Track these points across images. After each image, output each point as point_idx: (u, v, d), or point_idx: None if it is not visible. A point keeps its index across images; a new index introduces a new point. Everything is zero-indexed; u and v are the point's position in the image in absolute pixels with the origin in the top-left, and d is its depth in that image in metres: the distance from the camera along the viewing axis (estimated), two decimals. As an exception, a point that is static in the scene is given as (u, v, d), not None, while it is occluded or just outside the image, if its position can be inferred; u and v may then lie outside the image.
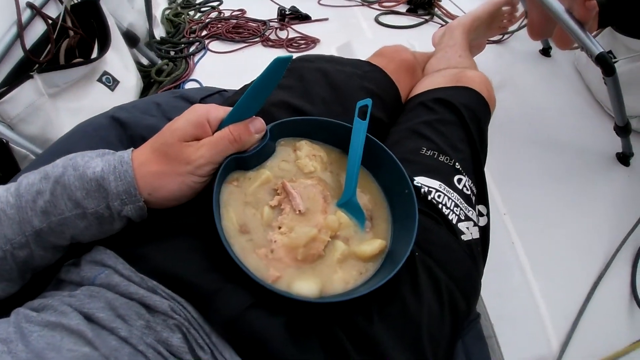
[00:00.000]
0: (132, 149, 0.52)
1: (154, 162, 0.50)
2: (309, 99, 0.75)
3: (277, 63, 0.47)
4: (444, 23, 1.99)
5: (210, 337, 0.47)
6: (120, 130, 0.76)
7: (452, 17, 2.02)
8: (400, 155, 0.69)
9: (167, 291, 0.48)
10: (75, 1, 1.48)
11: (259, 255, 0.49)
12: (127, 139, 0.74)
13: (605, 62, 1.05)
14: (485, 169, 0.98)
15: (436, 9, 2.09)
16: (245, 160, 0.54)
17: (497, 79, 1.61)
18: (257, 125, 0.53)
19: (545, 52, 1.77)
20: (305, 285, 0.48)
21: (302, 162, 0.58)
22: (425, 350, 0.53)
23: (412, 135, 0.76)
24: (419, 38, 1.84)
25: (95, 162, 0.49)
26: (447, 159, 0.72)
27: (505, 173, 1.29)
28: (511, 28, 1.57)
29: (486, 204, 0.75)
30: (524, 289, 1.05)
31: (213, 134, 0.51)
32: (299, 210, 0.52)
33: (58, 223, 0.48)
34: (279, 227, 0.51)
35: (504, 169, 1.30)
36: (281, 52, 1.85)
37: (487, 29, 1.39)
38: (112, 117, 0.77)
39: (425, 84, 0.91)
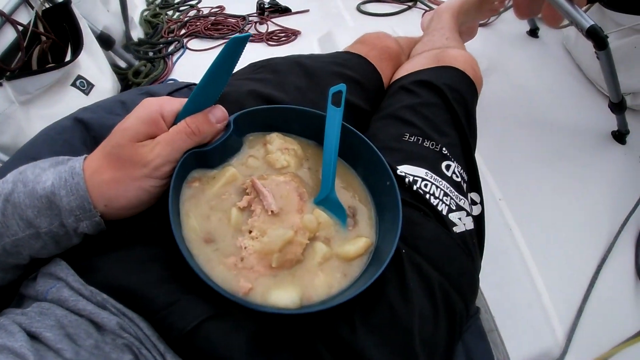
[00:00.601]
0: (84, 156, 0.47)
1: (107, 169, 0.44)
2: (282, 88, 0.69)
3: (234, 42, 0.42)
4: (428, 9, 1.94)
5: (165, 356, 0.42)
6: (84, 132, 0.70)
7: (437, 2, 1.97)
8: (382, 143, 0.65)
9: (118, 306, 0.44)
10: (47, 6, 1.44)
11: (227, 265, 0.43)
12: (91, 141, 0.69)
13: (596, 36, 1.00)
14: (478, 154, 0.93)
15: (421, -6, 2.04)
16: (206, 155, 0.49)
17: (485, 63, 1.57)
18: (218, 114, 0.48)
19: (533, 33, 1.72)
20: (283, 295, 0.43)
21: (273, 156, 0.52)
22: (419, 359, 0.49)
23: (393, 121, 0.72)
24: (403, 25, 1.79)
25: (47, 175, 0.45)
26: (432, 144, 0.67)
27: (498, 158, 1.24)
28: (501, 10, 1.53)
29: (479, 191, 0.70)
30: (524, 278, 1.01)
31: (169, 129, 0.46)
32: (272, 211, 0.46)
33: (12, 244, 0.44)
34: (250, 232, 0.45)
35: (498, 153, 1.25)
36: (261, 47, 1.80)
37: (477, 12, 1.33)
38: (75, 118, 0.72)
39: (407, 67, 0.86)
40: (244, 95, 0.66)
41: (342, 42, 1.58)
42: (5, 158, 1.11)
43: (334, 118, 0.52)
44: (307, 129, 0.57)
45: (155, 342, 0.43)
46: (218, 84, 0.46)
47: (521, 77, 1.55)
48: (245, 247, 0.44)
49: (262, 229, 0.45)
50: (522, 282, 1.00)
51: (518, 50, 1.68)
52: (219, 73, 0.45)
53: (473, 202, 0.68)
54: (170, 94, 0.76)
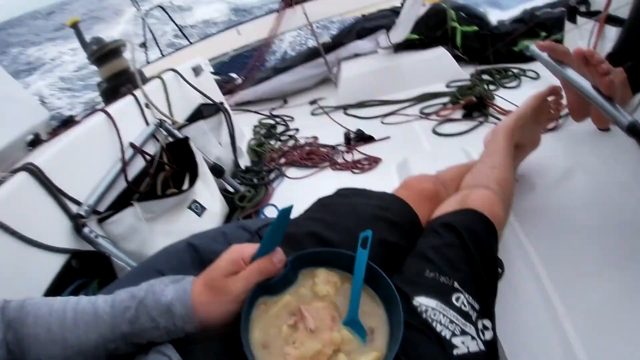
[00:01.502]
0: (192, 278, 0.69)
1: (205, 294, 0.66)
2: (335, 230, 0.90)
3: (282, 213, 0.65)
4: (498, 121, 1.98)
5: None
6: (194, 254, 0.95)
7: (506, 112, 2.00)
8: (407, 277, 0.82)
9: None
10: (170, 140, 1.77)
11: (275, 365, 0.63)
12: (198, 262, 0.93)
13: (637, 132, 0.92)
14: (539, 259, 1.00)
15: (490, 109, 2.10)
16: (270, 286, 0.69)
17: (562, 165, 1.53)
18: (279, 257, 0.69)
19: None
20: None
21: (318, 287, 0.71)
22: None
23: (419, 259, 0.87)
24: (474, 142, 1.80)
25: (169, 290, 0.67)
26: (447, 280, 0.81)
27: (564, 263, 1.16)
28: (562, 112, 1.51)
29: (491, 318, 0.81)
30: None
31: (247, 267, 0.67)
32: (310, 329, 0.65)
33: (140, 330, 0.65)
34: (293, 342, 0.64)
35: (564, 257, 1.18)
36: (347, 175, 1.99)
37: (535, 124, 1.40)
38: (188, 243, 0.98)
39: (440, 209, 1.03)
40: (303, 237, 0.88)
41: (415, 169, 1.74)
42: (130, 261, 1.32)
43: (361, 259, 0.70)
44: (346, 265, 0.74)
45: None
46: (277, 236, 0.68)
47: (596, 173, 1.47)
48: (289, 354, 0.63)
49: (302, 341, 0.64)
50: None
51: (592, 147, 1.60)
52: (276, 231, 0.67)
53: (485, 327, 0.78)
54: (259, 228, 1.01)
